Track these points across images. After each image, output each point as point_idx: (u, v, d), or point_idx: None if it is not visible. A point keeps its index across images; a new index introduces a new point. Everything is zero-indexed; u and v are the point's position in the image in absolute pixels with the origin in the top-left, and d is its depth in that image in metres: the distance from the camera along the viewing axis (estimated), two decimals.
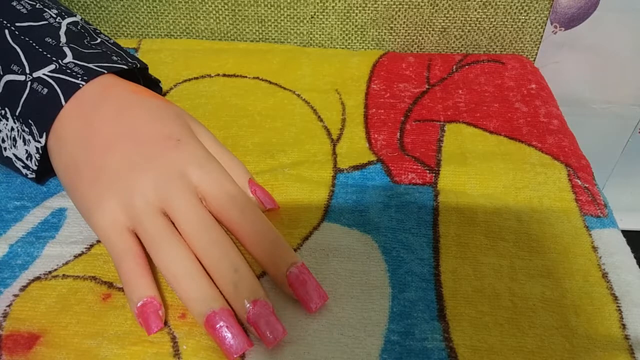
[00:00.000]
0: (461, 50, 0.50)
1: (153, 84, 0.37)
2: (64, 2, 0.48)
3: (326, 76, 0.44)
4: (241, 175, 0.32)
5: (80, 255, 0.30)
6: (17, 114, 0.30)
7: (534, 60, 0.51)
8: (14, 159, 0.32)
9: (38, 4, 0.33)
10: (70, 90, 0.30)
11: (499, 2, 0.47)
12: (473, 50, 0.50)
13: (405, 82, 0.44)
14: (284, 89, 0.43)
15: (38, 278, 0.29)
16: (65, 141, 0.30)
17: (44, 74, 0.30)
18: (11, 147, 0.31)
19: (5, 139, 0.31)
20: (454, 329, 0.27)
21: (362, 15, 0.48)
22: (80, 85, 0.30)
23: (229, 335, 0.25)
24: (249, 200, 0.30)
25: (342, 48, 0.50)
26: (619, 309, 0.28)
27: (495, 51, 0.50)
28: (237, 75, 0.44)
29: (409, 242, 0.31)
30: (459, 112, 0.40)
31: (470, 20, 0.48)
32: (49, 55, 0.30)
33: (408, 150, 0.37)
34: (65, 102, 0.30)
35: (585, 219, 0.33)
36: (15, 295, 0.28)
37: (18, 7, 0.32)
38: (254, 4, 0.47)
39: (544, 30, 0.48)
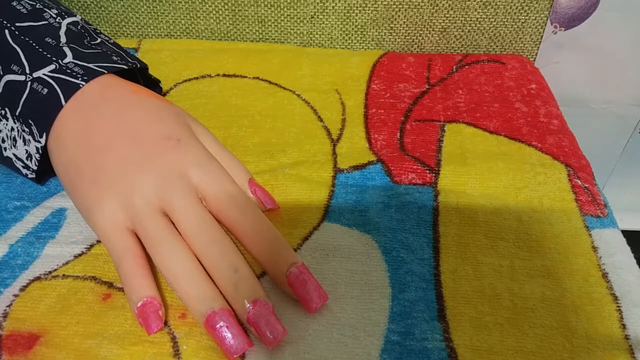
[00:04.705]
0: (461, 50, 0.50)
1: (153, 84, 0.37)
2: (64, 2, 0.48)
3: (326, 76, 0.44)
4: (241, 175, 0.32)
5: (80, 255, 0.30)
6: (17, 114, 0.30)
7: (534, 60, 0.51)
8: (14, 159, 0.32)
9: (38, 4, 0.33)
10: (70, 90, 0.30)
11: (499, 2, 0.47)
12: (473, 50, 0.50)
13: (405, 82, 0.44)
14: (284, 89, 0.43)
15: (38, 278, 0.29)
16: (65, 141, 0.30)
17: (44, 74, 0.30)
18: (11, 147, 0.31)
19: (5, 139, 0.31)
20: (454, 329, 0.27)
21: (362, 15, 0.48)
22: (80, 85, 0.30)
23: (229, 335, 0.25)
24: (249, 200, 0.30)
25: (342, 48, 0.50)
26: (619, 309, 0.28)
27: (495, 51, 0.50)
28: (237, 75, 0.44)
29: (409, 242, 0.31)
30: (459, 112, 0.40)
31: (470, 20, 0.48)
32: (49, 55, 0.30)
33: (408, 150, 0.37)
34: (65, 102, 0.30)
35: (585, 219, 0.33)
36: (15, 295, 0.28)
37: (18, 7, 0.32)
38: (254, 4, 0.47)
39: (544, 30, 0.48)
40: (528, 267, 0.30)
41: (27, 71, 0.30)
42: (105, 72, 0.31)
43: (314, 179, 0.35)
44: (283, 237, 0.29)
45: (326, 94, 0.42)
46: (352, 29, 0.49)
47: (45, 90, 0.30)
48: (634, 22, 0.49)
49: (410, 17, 0.48)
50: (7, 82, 0.30)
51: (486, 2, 0.46)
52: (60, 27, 0.32)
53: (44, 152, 0.31)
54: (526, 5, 0.47)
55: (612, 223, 0.32)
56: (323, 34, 0.49)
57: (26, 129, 0.30)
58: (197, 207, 0.28)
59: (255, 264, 0.29)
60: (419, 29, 0.48)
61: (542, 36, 0.49)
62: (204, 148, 0.31)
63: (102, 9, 0.48)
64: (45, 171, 0.32)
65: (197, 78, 0.43)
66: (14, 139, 0.31)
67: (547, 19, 0.48)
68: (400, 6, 0.47)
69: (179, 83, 0.43)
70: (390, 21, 0.48)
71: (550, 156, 0.37)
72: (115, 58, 0.33)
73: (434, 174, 0.35)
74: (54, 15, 0.33)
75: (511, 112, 0.41)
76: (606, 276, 0.30)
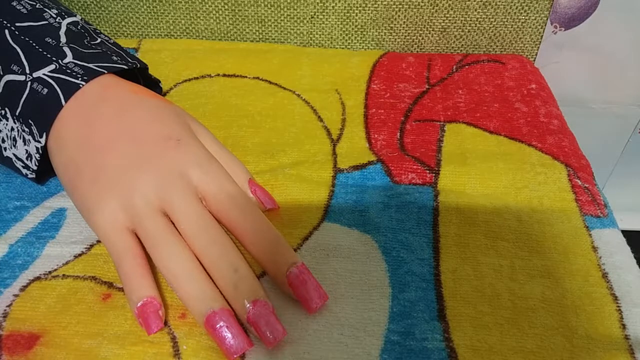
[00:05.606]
0: (461, 50, 0.50)
1: (153, 84, 0.37)
2: (64, 2, 0.48)
3: (326, 76, 0.44)
4: (241, 175, 0.32)
5: (80, 255, 0.30)
6: (17, 114, 0.30)
7: (534, 60, 0.51)
8: (14, 159, 0.32)
9: (38, 4, 0.33)
10: (70, 90, 0.30)
11: (499, 2, 0.47)
12: (473, 50, 0.50)
13: (405, 82, 0.44)
14: (284, 89, 0.43)
15: (38, 278, 0.29)
16: (65, 141, 0.30)
17: (44, 74, 0.30)
18: (11, 147, 0.31)
19: (5, 139, 0.31)
20: (454, 329, 0.27)
21: (362, 15, 0.48)
22: (80, 85, 0.30)
23: (229, 335, 0.25)
24: (249, 200, 0.30)
25: (342, 48, 0.50)
26: (619, 309, 0.28)
27: (495, 51, 0.50)
28: (237, 75, 0.44)
29: (409, 242, 0.31)
30: (459, 112, 0.40)
31: (470, 20, 0.48)
32: (49, 55, 0.30)
33: (408, 150, 0.37)
34: (65, 102, 0.30)
35: (585, 219, 0.33)
36: (15, 295, 0.28)
37: (18, 7, 0.32)
38: (254, 4, 0.47)
39: (544, 30, 0.48)
40: (528, 267, 0.30)
41: (27, 71, 0.30)
42: (105, 72, 0.31)
43: (314, 179, 0.35)
44: (283, 237, 0.29)
45: (326, 94, 0.42)
46: (352, 29, 0.49)
47: (45, 90, 0.30)
48: (634, 22, 0.49)
49: (410, 17, 0.48)
50: (7, 82, 0.30)
51: (486, 2, 0.46)
52: (60, 27, 0.32)
53: (44, 152, 0.31)
54: (526, 5, 0.47)
55: (612, 223, 0.32)
56: (323, 34, 0.49)
57: (26, 129, 0.30)
58: (197, 207, 0.28)
59: (255, 264, 0.29)
60: (419, 29, 0.48)
61: (542, 36, 0.49)
62: (204, 148, 0.31)
63: (102, 9, 0.48)
64: (45, 171, 0.32)
65: (197, 78, 0.43)
66: (14, 139, 0.31)
67: (547, 19, 0.48)
68: (400, 6, 0.47)
69: (179, 83, 0.43)
70: (390, 21, 0.48)
71: (550, 156, 0.37)
72: (115, 58, 0.33)
73: (434, 174, 0.35)
74: (54, 15, 0.33)
75: (511, 112, 0.41)
76: (606, 276, 0.30)
